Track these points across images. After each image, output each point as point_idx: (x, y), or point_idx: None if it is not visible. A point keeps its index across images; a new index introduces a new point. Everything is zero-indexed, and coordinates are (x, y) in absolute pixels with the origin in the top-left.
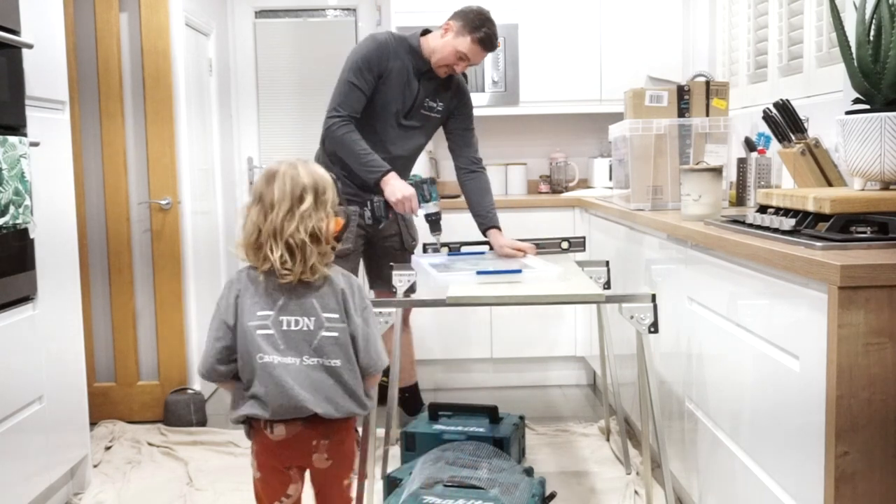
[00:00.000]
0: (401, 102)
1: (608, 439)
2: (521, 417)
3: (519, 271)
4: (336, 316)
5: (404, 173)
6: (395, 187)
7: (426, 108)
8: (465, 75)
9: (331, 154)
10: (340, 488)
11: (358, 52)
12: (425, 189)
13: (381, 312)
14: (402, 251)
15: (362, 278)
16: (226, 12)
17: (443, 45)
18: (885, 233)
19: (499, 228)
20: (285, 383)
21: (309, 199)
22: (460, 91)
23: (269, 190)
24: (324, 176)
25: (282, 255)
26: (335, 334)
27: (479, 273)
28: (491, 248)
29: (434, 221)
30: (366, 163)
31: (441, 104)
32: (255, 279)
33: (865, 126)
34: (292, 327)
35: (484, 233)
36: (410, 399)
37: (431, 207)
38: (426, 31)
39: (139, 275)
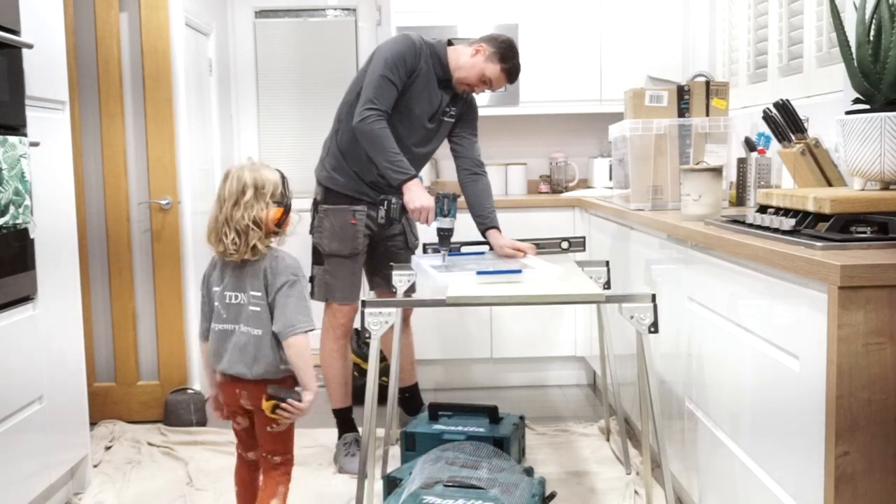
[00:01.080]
0: (427, 105)
1: (608, 439)
2: (521, 417)
3: (519, 271)
4: (259, 294)
5: (418, 168)
6: (417, 195)
7: (444, 113)
8: None
9: (345, 148)
10: (264, 431)
11: (393, 48)
12: (445, 204)
13: (380, 312)
14: (405, 251)
15: (364, 277)
16: (226, 12)
17: (471, 66)
18: (885, 233)
19: (498, 229)
20: (219, 347)
21: (249, 193)
22: (470, 97)
23: (223, 187)
24: (265, 175)
25: (233, 239)
26: (258, 309)
27: (479, 273)
28: (491, 249)
29: (445, 237)
30: (394, 162)
31: (454, 110)
32: (215, 262)
33: (865, 126)
34: (231, 301)
35: (483, 233)
36: (411, 399)
37: (446, 223)
38: (450, 42)
39: (139, 275)
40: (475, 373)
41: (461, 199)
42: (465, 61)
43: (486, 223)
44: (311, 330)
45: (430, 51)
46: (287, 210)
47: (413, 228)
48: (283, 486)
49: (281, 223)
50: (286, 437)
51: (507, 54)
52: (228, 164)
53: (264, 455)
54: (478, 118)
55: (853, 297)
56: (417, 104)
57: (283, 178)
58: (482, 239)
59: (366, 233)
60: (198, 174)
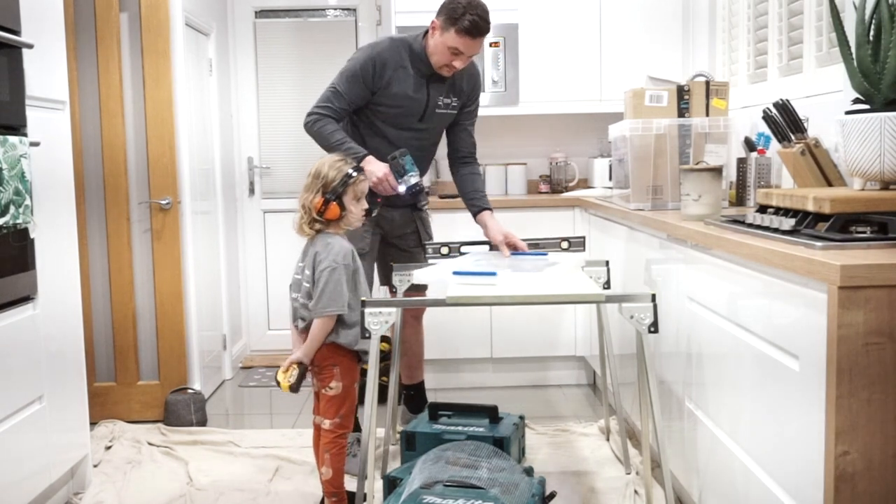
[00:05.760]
0: (412, 109)
1: (608, 439)
2: (521, 417)
3: (494, 274)
4: (308, 272)
5: (422, 164)
6: (371, 170)
7: (441, 107)
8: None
9: None
10: (320, 392)
11: (352, 62)
12: (398, 163)
13: (380, 312)
14: (418, 249)
15: (375, 275)
16: (226, 12)
17: (434, 45)
18: (884, 233)
19: (490, 210)
20: (294, 312)
21: (309, 180)
22: (472, 80)
23: None
24: (326, 168)
25: (295, 218)
26: (308, 285)
27: (455, 273)
28: (485, 244)
29: (418, 192)
30: (344, 151)
31: (456, 99)
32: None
33: (865, 126)
34: (297, 275)
35: (475, 216)
36: (416, 397)
37: (411, 179)
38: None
39: (139, 274)
40: (475, 373)
41: (461, 199)
42: (431, 44)
43: (478, 204)
44: (340, 314)
45: (407, 51)
46: (328, 201)
47: (427, 228)
48: (329, 453)
49: (322, 213)
50: (337, 404)
51: (457, 13)
52: (229, 164)
53: (318, 418)
54: (478, 108)
55: (853, 296)
56: (399, 111)
57: (349, 176)
58: (483, 238)
59: (375, 231)
60: (198, 174)
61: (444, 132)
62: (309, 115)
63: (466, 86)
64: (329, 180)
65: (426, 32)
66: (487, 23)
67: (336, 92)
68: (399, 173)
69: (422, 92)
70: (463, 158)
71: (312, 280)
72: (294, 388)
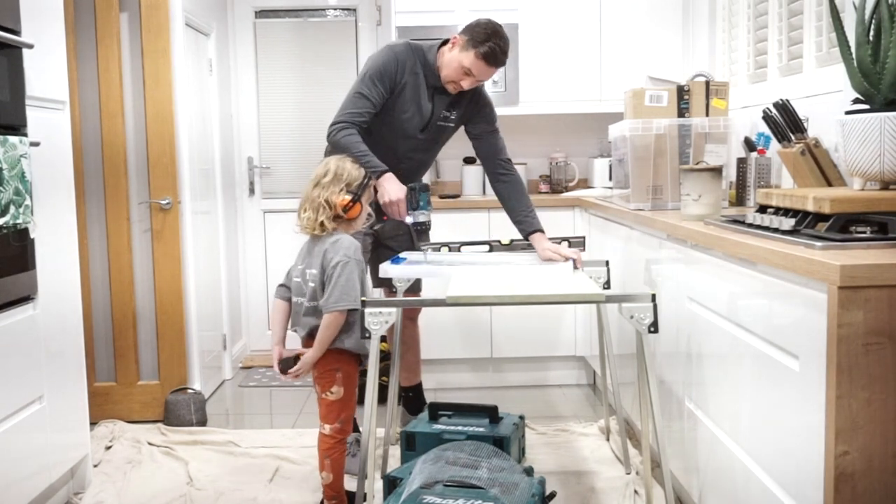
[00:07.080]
0: (417, 118)
1: (608, 439)
2: (521, 417)
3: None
4: (315, 272)
5: (416, 176)
6: (387, 189)
7: (442, 120)
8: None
9: None
10: (320, 397)
11: (373, 63)
12: (415, 196)
13: (380, 312)
14: (412, 250)
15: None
16: (226, 12)
17: (449, 60)
18: (884, 233)
19: (542, 231)
20: (295, 317)
21: (329, 177)
22: (476, 95)
23: (315, 171)
24: (348, 167)
25: (308, 215)
26: (314, 285)
27: (393, 261)
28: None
29: (421, 231)
30: (364, 164)
31: (455, 113)
32: (305, 242)
33: (865, 126)
34: (301, 276)
35: (527, 237)
36: (414, 398)
37: (420, 216)
38: (445, 42)
39: (139, 274)
40: (475, 373)
41: (461, 199)
42: (446, 58)
43: (527, 227)
44: (354, 309)
45: (420, 59)
46: (355, 201)
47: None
48: (329, 458)
49: (346, 210)
50: (338, 409)
51: (481, 37)
52: (229, 164)
53: (320, 423)
54: (493, 112)
55: (853, 296)
56: (406, 116)
57: (367, 178)
58: (482, 238)
59: (367, 232)
60: (198, 174)
61: (473, 147)
62: (333, 124)
63: (469, 103)
64: (353, 179)
65: (442, 43)
66: (506, 55)
67: (360, 96)
68: (412, 205)
69: (427, 103)
70: (495, 171)
71: (321, 279)
72: (283, 367)
